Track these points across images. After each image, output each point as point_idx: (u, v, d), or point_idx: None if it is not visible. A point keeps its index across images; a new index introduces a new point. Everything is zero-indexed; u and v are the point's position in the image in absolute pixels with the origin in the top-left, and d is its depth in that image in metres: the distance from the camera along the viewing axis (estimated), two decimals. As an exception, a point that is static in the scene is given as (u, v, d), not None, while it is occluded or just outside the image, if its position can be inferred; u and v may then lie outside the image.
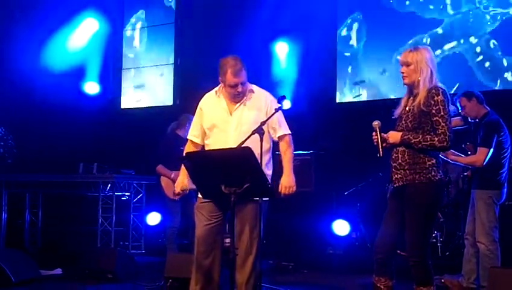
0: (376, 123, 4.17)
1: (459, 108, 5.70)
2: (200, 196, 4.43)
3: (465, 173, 6.87)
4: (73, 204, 9.67)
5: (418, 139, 4.01)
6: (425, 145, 4.01)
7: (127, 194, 9.13)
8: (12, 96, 9.78)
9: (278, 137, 4.56)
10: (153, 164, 7.27)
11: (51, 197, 9.57)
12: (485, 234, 5.47)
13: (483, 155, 5.42)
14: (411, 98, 4.21)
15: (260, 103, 4.55)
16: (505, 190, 5.62)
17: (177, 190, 4.55)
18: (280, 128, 4.57)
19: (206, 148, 4.53)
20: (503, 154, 5.54)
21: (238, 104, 4.50)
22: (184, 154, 4.02)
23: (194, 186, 4.53)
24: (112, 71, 11.31)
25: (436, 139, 4.00)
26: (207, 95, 4.67)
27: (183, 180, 4.51)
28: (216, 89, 4.61)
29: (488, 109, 5.67)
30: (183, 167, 4.44)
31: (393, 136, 4.10)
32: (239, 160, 3.63)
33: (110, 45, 11.19)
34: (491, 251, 5.43)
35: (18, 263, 6.48)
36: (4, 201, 9.22)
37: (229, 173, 3.61)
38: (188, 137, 4.71)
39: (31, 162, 9.46)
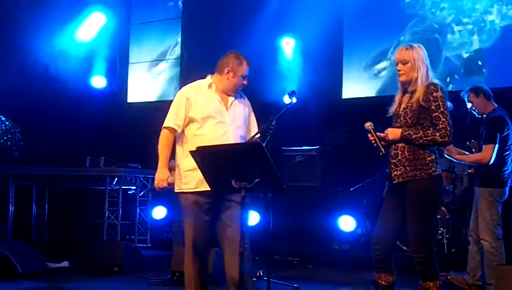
0: (368, 124, 4.19)
1: (467, 103, 5.69)
2: (190, 190, 4.45)
3: (469, 171, 6.86)
4: (80, 197, 9.71)
5: (419, 135, 4.03)
6: (426, 141, 4.03)
7: (133, 188, 9.16)
8: (19, 90, 9.80)
9: (251, 137, 4.64)
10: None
11: (58, 191, 9.60)
12: (489, 232, 5.47)
13: (489, 152, 5.40)
14: (406, 95, 4.24)
15: (245, 102, 4.74)
16: (508, 188, 5.58)
17: (164, 184, 4.46)
18: (255, 128, 4.72)
19: (200, 138, 4.43)
20: (506, 151, 5.51)
21: (231, 99, 4.61)
22: (196, 148, 3.98)
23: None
24: (118, 65, 11.35)
25: (437, 134, 4.02)
26: (193, 85, 4.64)
27: (167, 174, 4.47)
28: (206, 81, 4.63)
29: (496, 105, 5.64)
30: (163, 159, 4.47)
31: (393, 132, 4.12)
32: (250, 155, 3.65)
33: (117, 39, 11.21)
34: (495, 248, 5.43)
35: (25, 255, 6.54)
36: (11, 194, 9.25)
37: (240, 167, 3.62)
38: (168, 125, 4.54)
39: (38, 155, 9.47)
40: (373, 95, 9.11)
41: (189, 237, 4.49)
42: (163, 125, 4.56)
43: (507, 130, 5.50)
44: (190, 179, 4.43)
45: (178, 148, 4.59)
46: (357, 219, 8.28)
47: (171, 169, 4.62)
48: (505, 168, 5.52)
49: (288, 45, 9.69)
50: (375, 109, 8.11)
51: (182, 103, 4.53)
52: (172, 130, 4.53)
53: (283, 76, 9.49)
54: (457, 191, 7.69)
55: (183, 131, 4.55)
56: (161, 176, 4.46)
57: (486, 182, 5.55)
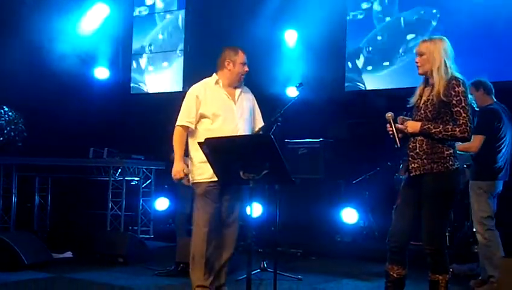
0: (389, 115, 4.18)
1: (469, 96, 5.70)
2: (206, 179, 4.65)
3: (467, 164, 6.86)
4: (83, 188, 9.74)
5: (438, 129, 4.02)
6: (446, 135, 4.02)
7: (136, 179, 9.19)
8: (22, 81, 9.81)
9: (259, 127, 4.97)
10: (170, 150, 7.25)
11: (61, 181, 9.63)
12: (479, 224, 5.50)
13: (476, 142, 5.38)
14: (427, 87, 4.22)
15: (248, 94, 5.04)
16: (501, 181, 5.56)
17: (181, 175, 4.76)
18: (261, 119, 5.06)
19: (212, 132, 4.65)
20: (498, 145, 5.49)
21: (238, 93, 4.89)
22: (204, 140, 4.06)
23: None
24: (121, 56, 11.36)
25: (457, 129, 4.01)
26: (201, 84, 4.93)
27: (183, 166, 4.77)
28: (212, 79, 4.91)
29: (494, 100, 5.65)
30: (178, 153, 4.78)
31: (413, 125, 4.11)
32: (260, 147, 3.69)
33: (121, 30, 11.22)
34: (487, 239, 5.44)
35: (30, 245, 6.56)
36: (14, 184, 9.27)
37: (249, 159, 3.66)
38: (181, 123, 4.82)
39: (41, 146, 9.50)
40: (376, 88, 9.12)
41: (204, 220, 4.72)
42: (177, 123, 4.84)
43: (498, 123, 5.50)
44: (204, 169, 4.63)
45: (191, 143, 4.85)
46: (360, 211, 8.31)
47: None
48: (496, 162, 5.50)
49: (291, 38, 9.68)
50: (377, 101, 8.25)
51: (193, 101, 4.81)
52: (185, 128, 4.82)
53: (286, 68, 9.49)
54: (460, 184, 7.69)
55: (196, 127, 4.82)
56: (177, 168, 4.77)
57: (475, 175, 5.58)
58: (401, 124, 4.17)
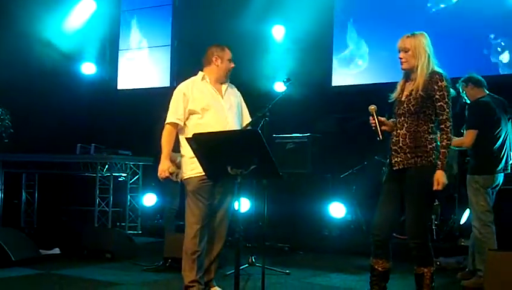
0: (372, 108, 4.20)
1: (461, 92, 5.70)
2: (198, 174, 4.60)
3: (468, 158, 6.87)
4: (70, 185, 9.71)
5: (444, 151, 4.03)
6: (447, 144, 4.03)
7: (123, 175, 9.17)
8: (9, 77, 9.74)
9: (247, 123, 5.04)
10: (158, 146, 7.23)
11: (48, 178, 9.59)
12: (477, 219, 5.47)
13: (469, 137, 5.41)
14: (409, 82, 4.22)
15: (235, 90, 5.11)
16: (500, 174, 5.50)
17: (166, 174, 4.76)
18: (248, 115, 5.11)
19: (202, 127, 4.66)
20: (492, 137, 5.47)
21: (224, 88, 4.95)
22: (192, 135, 4.06)
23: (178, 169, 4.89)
24: (108, 52, 11.32)
25: (449, 135, 4.04)
26: (188, 81, 4.96)
27: (169, 164, 4.78)
28: (199, 76, 4.96)
29: (486, 92, 5.63)
30: (165, 151, 4.79)
31: (438, 178, 4.02)
32: (247, 142, 3.70)
33: (107, 26, 11.17)
34: (483, 234, 5.41)
35: (17, 242, 6.53)
36: (1, 181, 9.23)
37: (237, 154, 3.66)
38: (170, 121, 4.83)
39: (28, 142, 9.46)
40: (362, 82, 9.14)
41: (196, 218, 4.71)
42: (166, 121, 4.85)
43: (488, 115, 5.47)
44: (196, 164, 4.55)
45: (182, 139, 4.84)
46: (347, 205, 8.34)
47: (172, 161, 4.89)
48: (493, 154, 5.46)
49: (278, 33, 9.69)
50: (364, 96, 8.27)
51: (180, 98, 4.84)
52: (175, 125, 4.83)
53: (273, 63, 9.49)
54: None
55: (185, 123, 4.84)
56: (163, 167, 4.78)
57: (471, 169, 5.55)
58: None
